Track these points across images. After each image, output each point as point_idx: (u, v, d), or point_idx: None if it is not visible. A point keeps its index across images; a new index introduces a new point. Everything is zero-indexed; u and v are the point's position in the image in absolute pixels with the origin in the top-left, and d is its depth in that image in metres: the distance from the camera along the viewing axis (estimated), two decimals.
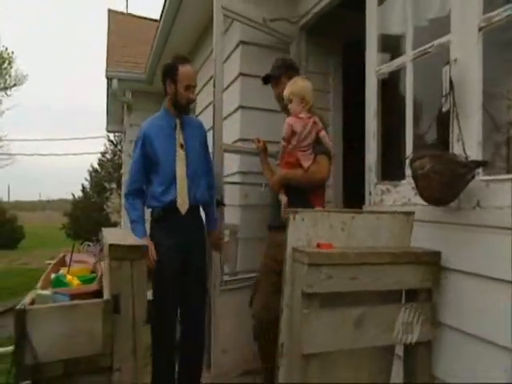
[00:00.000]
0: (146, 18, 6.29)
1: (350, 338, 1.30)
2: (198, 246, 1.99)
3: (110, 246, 1.03)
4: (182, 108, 1.98)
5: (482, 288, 1.27)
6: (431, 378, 1.42)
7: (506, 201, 1.20)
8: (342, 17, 2.49)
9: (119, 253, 1.03)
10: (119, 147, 16.60)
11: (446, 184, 1.27)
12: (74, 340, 0.97)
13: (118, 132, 7.88)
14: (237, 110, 2.58)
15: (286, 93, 1.92)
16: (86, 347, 0.98)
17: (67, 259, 1.49)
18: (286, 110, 2.03)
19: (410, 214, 1.46)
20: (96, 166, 16.80)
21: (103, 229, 1.64)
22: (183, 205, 1.90)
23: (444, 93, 1.39)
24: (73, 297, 1.04)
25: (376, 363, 1.45)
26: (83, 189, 17.10)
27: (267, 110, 2.47)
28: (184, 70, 1.92)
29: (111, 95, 6.23)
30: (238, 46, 2.58)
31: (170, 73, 1.94)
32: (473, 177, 1.27)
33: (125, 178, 6.66)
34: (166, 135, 1.96)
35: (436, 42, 1.48)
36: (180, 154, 1.93)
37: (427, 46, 1.52)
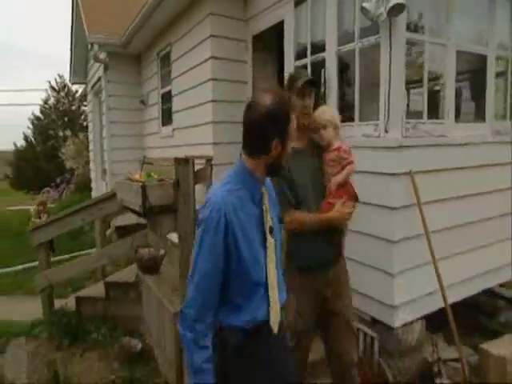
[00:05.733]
0: None
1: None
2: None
3: (175, 158, 2.39)
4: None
5: None
6: None
7: None
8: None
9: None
10: (62, 93, 16.24)
11: None
12: (162, 196, 2.37)
13: (82, 83, 8.36)
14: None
15: (326, 117, 1.85)
16: (167, 199, 2.38)
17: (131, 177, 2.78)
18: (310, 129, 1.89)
19: None
20: (38, 114, 16.40)
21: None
22: (276, 323, 1.28)
23: (323, 81, 2.85)
24: (158, 181, 2.41)
25: None
26: (26, 138, 16.77)
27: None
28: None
29: (77, 52, 6.84)
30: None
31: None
32: None
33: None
34: (249, 212, 1.23)
35: (321, 55, 2.89)
36: (270, 244, 1.26)
37: (318, 55, 2.92)
